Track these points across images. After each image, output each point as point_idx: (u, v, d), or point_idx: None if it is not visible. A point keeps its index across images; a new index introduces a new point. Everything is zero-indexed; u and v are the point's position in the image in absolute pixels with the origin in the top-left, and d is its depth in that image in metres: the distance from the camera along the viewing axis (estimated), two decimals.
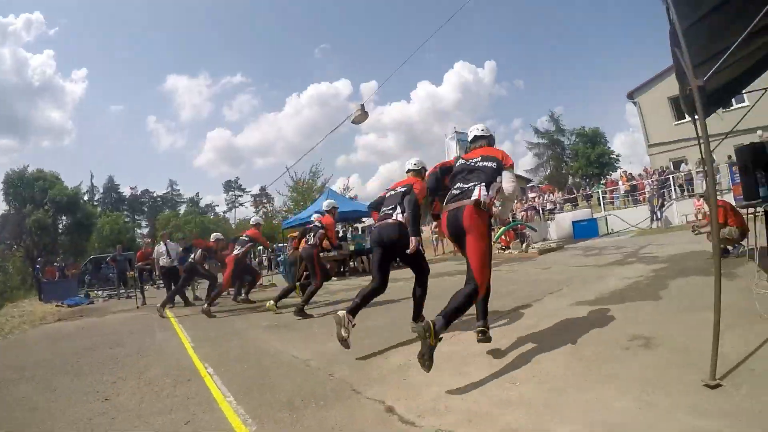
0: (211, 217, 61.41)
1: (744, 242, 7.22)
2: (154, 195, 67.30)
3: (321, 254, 7.97)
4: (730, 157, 19.19)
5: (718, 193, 18.35)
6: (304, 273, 8.14)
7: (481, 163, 3.78)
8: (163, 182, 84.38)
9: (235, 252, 9.21)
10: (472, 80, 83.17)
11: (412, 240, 4.41)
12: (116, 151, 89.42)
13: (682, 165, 19.61)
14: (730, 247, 7.34)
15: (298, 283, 8.36)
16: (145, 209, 65.84)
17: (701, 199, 17.77)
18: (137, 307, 12.18)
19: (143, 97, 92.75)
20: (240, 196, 69.32)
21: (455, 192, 3.73)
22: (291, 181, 35.26)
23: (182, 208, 63.77)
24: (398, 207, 4.63)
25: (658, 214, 18.02)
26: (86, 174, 73.08)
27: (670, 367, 3.07)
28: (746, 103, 23.04)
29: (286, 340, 5.69)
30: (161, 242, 12.29)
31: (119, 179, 65.26)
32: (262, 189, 63.62)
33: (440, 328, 3.17)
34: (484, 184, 3.61)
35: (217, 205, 69.71)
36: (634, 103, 23.60)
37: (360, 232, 18.65)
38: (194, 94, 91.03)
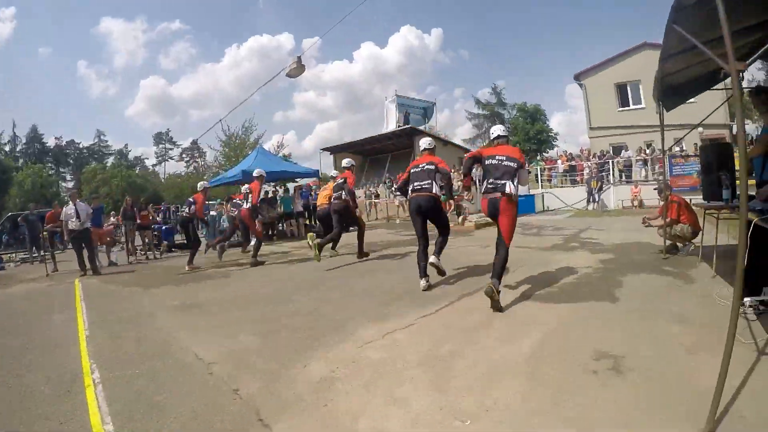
0: (138, 171, 57.70)
1: (695, 241, 6.96)
2: (81, 146, 61.65)
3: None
4: (670, 149, 19.81)
5: (654, 182, 19.03)
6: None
7: (506, 162, 4.88)
8: (90, 133, 77.36)
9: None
10: (417, 45, 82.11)
11: (451, 202, 6.75)
12: (42, 98, 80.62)
13: (623, 151, 19.92)
14: (680, 245, 7.09)
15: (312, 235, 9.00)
16: (71, 161, 60.47)
17: (638, 186, 18.19)
18: (47, 275, 10.85)
19: (74, 40, 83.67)
20: (170, 149, 65.18)
21: (490, 186, 4.90)
22: (224, 135, 33.92)
23: (110, 161, 59.22)
24: (433, 182, 5.92)
25: (596, 196, 18.23)
26: (8, 123, 65.52)
27: (650, 404, 2.53)
28: (693, 100, 23.58)
29: (195, 328, 4.83)
30: (70, 202, 10.77)
31: (44, 129, 58.92)
32: (194, 142, 60.37)
33: (498, 285, 4.62)
34: (510, 180, 4.79)
35: (147, 158, 65.31)
36: (581, 85, 23.67)
37: (290, 194, 17.19)
38: (129, 39, 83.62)
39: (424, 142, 6.46)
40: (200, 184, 10.78)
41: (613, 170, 19.27)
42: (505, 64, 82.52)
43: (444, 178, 5.99)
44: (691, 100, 21.37)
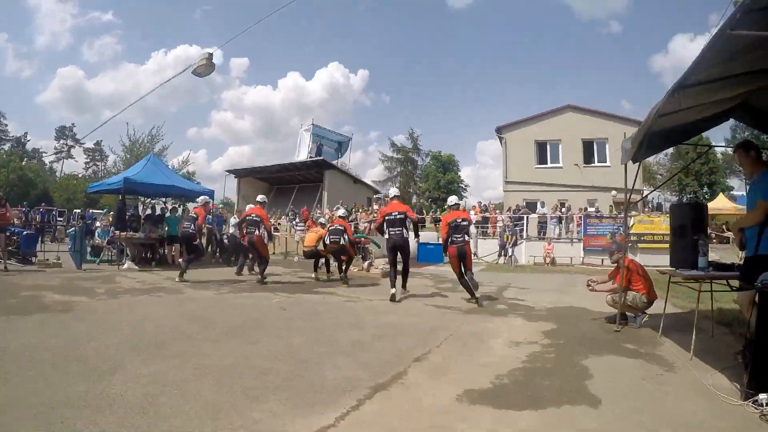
0: (34, 164, 52.00)
1: (648, 311, 5.83)
2: None
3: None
4: (585, 209, 20.07)
5: (567, 240, 18.90)
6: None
7: (463, 224, 7.76)
8: None
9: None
10: (342, 83, 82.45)
11: (416, 241, 9.76)
12: None
13: (538, 206, 19.70)
14: (630, 314, 5.91)
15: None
16: None
17: (551, 243, 17.79)
18: None
19: None
20: (72, 147, 58.21)
21: (457, 238, 7.70)
22: (128, 140, 32.34)
23: (5, 147, 51.56)
24: (403, 228, 8.29)
25: (509, 250, 17.52)
26: None
27: None
28: (607, 163, 24.84)
29: None
30: None
31: None
32: (97, 144, 57.25)
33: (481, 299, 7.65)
34: (467, 233, 7.76)
35: (45, 153, 58.14)
36: (501, 138, 23.68)
37: (178, 214, 14.14)
38: (57, 20, 75.52)
39: (394, 191, 9.41)
40: (201, 198, 11.56)
41: (527, 225, 18.85)
42: (424, 112, 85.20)
43: (413, 224, 8.67)
44: (606, 163, 22.01)
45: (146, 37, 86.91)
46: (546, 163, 23.35)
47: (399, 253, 8.28)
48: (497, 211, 20.70)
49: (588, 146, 23.17)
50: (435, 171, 45.70)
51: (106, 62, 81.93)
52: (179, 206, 16.02)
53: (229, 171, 30.90)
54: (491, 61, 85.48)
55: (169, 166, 31.68)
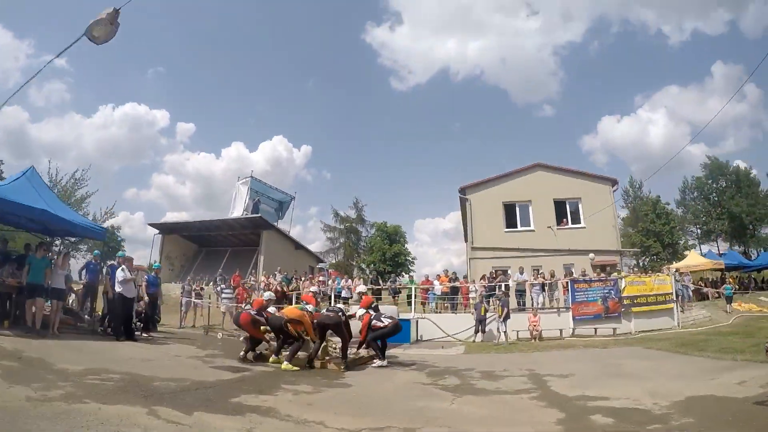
0: None
1: None
2: None
3: None
4: (570, 273, 17.53)
5: (553, 310, 15.87)
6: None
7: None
8: None
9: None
10: (284, 157, 79.90)
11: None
12: None
13: (516, 274, 16.64)
14: None
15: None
16: None
17: (537, 315, 14.62)
18: None
19: None
20: None
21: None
22: (47, 179, 26.42)
23: None
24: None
25: (500, 325, 14.07)
26: None
27: None
28: (581, 224, 22.90)
29: None
30: None
31: None
32: None
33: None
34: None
35: None
36: (465, 200, 21.03)
37: (50, 255, 10.23)
38: (10, 56, 68.03)
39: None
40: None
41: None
42: (367, 189, 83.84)
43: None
44: (582, 225, 19.52)
45: (95, 90, 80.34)
46: (516, 227, 20.83)
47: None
48: (468, 281, 17.41)
49: (560, 207, 21.07)
50: (381, 243, 42.62)
51: (52, 108, 74.21)
52: (56, 245, 11.52)
53: (153, 224, 26.23)
54: (430, 141, 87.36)
55: (90, 217, 27.14)
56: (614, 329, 14.76)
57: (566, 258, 19.01)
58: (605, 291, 15.49)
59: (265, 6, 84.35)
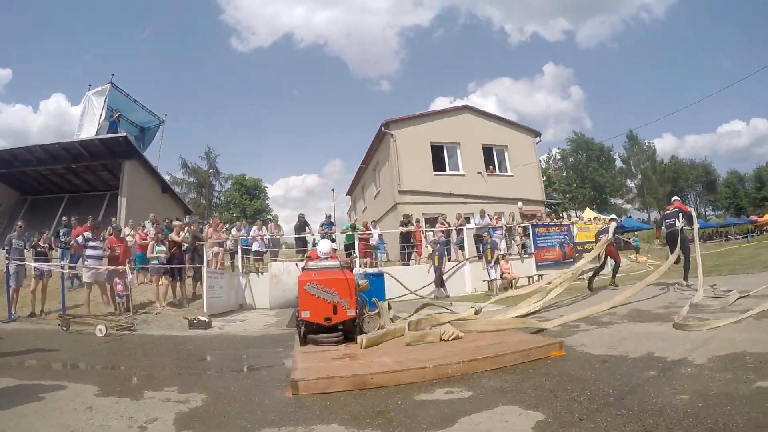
0: None
1: None
2: None
3: None
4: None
5: (516, 256, 14.51)
6: None
7: None
8: None
9: None
10: None
11: None
12: None
13: (477, 217, 14.72)
14: None
15: None
16: None
17: (509, 261, 13.11)
18: None
19: None
20: None
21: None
22: None
23: None
24: None
25: (490, 272, 12.13)
26: None
27: None
28: (509, 172, 21.90)
29: None
30: None
31: None
32: None
33: None
34: None
35: None
36: (390, 135, 18.32)
37: None
38: None
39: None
40: None
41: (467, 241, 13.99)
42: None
43: None
44: (510, 173, 19.01)
45: None
46: (444, 170, 18.91)
47: None
48: (420, 225, 14.95)
49: (488, 153, 19.83)
50: (239, 197, 37.66)
51: None
52: None
53: None
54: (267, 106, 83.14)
55: None
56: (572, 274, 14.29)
57: (496, 206, 17.90)
58: (561, 237, 14.86)
59: None
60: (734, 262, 12.97)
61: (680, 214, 8.35)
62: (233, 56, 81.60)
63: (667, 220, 8.66)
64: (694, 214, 8.83)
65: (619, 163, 53.35)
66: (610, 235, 9.44)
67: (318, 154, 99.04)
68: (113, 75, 20.76)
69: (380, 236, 14.66)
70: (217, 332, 7.80)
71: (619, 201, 51.36)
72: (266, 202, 40.00)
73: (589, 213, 25.32)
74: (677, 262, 8.29)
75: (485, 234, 13.26)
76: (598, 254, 9.41)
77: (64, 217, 14.10)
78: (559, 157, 50.42)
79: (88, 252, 8.95)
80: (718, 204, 55.78)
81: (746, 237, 34.63)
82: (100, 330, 7.08)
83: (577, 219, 16.78)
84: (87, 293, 8.63)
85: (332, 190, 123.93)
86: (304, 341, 5.35)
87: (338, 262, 5.96)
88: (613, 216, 12.94)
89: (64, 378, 4.42)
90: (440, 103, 78.25)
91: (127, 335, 7.27)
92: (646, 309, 6.33)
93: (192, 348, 6.23)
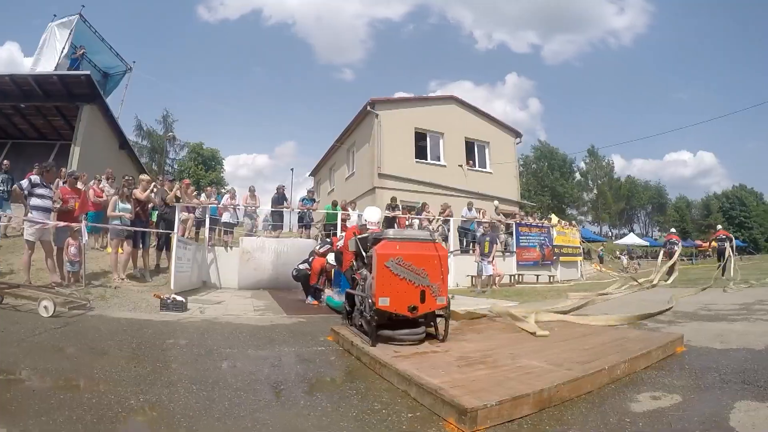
0: None
1: None
2: None
3: None
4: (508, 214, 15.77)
5: (499, 253, 13.97)
6: None
7: None
8: None
9: None
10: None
11: None
12: None
13: (465, 210, 14.05)
14: None
15: None
16: None
17: (494, 258, 12.57)
18: None
19: None
20: None
21: None
22: None
23: None
24: None
25: (485, 268, 11.43)
26: None
27: None
28: (488, 169, 21.42)
29: None
30: None
31: None
32: None
33: None
34: None
35: None
36: (375, 115, 17.42)
37: None
38: None
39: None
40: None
41: (454, 232, 13.46)
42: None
43: None
44: (489, 170, 18.87)
45: None
46: (426, 158, 18.23)
47: None
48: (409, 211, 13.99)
49: (470, 147, 19.36)
50: (194, 167, 35.55)
51: None
52: None
53: None
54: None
55: None
56: (551, 276, 14.14)
57: (475, 201, 17.46)
58: (542, 238, 14.68)
59: None
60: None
61: (726, 240, 13.50)
62: (198, 24, 77.59)
63: (720, 243, 13.80)
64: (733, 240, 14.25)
65: (578, 176, 54.94)
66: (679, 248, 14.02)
67: (272, 135, 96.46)
68: (83, 6, 17.61)
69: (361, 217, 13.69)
70: (202, 317, 6.04)
71: (575, 212, 52.77)
72: (221, 174, 38.03)
73: (554, 220, 25.48)
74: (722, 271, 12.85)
75: (485, 225, 12.57)
76: (674, 263, 13.00)
77: (5, 161, 12.17)
78: (522, 163, 51.16)
79: (34, 201, 7.13)
80: (666, 226, 58.59)
81: (690, 259, 36.09)
82: (45, 308, 5.25)
83: (557, 223, 16.48)
84: (27, 256, 6.95)
85: (291, 169, 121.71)
86: (376, 339, 3.80)
87: (426, 232, 5.06)
88: (673, 230, 17.86)
89: None
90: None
91: (81, 316, 5.49)
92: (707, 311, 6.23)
93: (186, 343, 4.42)
